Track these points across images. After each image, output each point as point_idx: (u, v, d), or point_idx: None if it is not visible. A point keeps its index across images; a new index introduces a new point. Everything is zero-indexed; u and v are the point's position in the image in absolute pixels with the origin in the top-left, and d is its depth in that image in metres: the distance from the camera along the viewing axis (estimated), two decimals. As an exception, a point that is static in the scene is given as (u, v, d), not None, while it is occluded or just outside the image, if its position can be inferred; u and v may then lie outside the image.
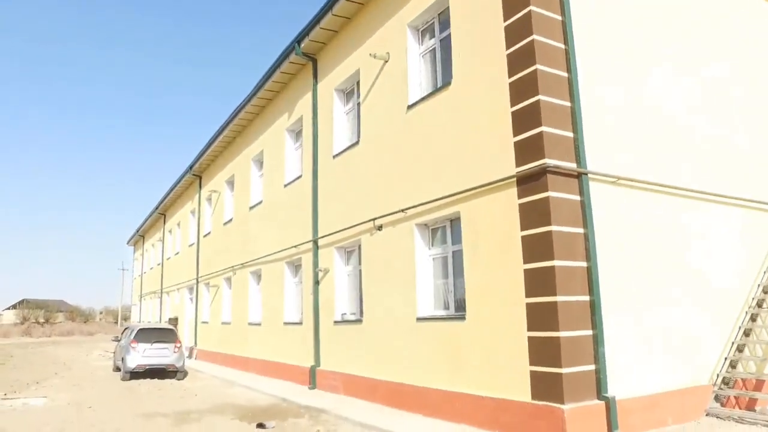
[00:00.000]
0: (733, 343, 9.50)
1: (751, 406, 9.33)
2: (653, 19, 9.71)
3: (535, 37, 8.08)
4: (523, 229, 8.01)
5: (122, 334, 19.21)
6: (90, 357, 26.83)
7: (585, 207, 7.95)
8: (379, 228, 11.24)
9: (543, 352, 7.56)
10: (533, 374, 7.67)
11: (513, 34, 8.40)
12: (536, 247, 7.77)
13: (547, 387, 7.46)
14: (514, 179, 8.18)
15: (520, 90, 8.20)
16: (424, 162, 10.12)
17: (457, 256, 9.60)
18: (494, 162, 8.55)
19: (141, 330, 17.31)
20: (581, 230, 7.89)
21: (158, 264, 33.80)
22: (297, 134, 16.24)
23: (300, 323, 14.59)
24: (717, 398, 8.99)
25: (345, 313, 12.80)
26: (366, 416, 9.70)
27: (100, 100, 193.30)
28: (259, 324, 17.22)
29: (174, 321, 26.82)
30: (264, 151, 17.75)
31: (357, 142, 12.43)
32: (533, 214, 7.86)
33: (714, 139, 10.17)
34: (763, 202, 10.54)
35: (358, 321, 11.86)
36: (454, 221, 9.70)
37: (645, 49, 9.42)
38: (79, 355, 27.91)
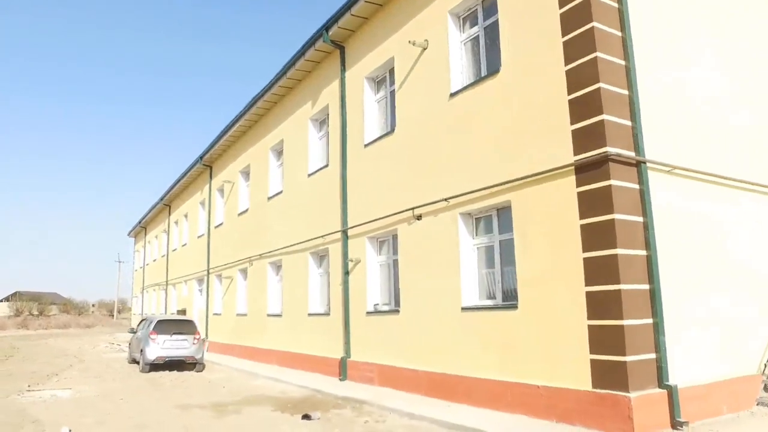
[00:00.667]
0: (778, 332, 9.54)
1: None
2: (700, 8, 9.67)
3: (595, 24, 8.01)
4: (582, 217, 7.96)
5: (138, 325, 19.02)
6: (97, 349, 26.57)
7: (644, 196, 7.92)
8: (419, 217, 11.16)
9: (605, 340, 7.53)
10: (594, 363, 7.65)
11: (570, 21, 8.32)
12: (597, 236, 7.73)
13: (609, 375, 7.44)
14: (573, 168, 8.12)
15: (579, 78, 8.13)
16: (469, 151, 10.04)
17: (506, 245, 9.55)
18: (549, 150, 8.48)
19: (160, 321, 17.14)
20: (641, 219, 7.86)
21: (162, 256, 33.51)
22: (321, 123, 16.09)
23: (327, 314, 14.50)
24: (765, 388, 9.03)
25: (377, 304, 12.72)
26: (411, 407, 9.65)
27: (99, 82, 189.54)
28: (279, 315, 17.10)
29: (182, 313, 26.60)
30: (284, 140, 17.58)
31: (392, 131, 12.31)
32: (594, 203, 7.81)
33: (757, 129, 10.17)
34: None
35: (395, 311, 11.78)
36: (502, 210, 9.64)
37: (693, 38, 9.39)
38: (86, 347, 27.63)
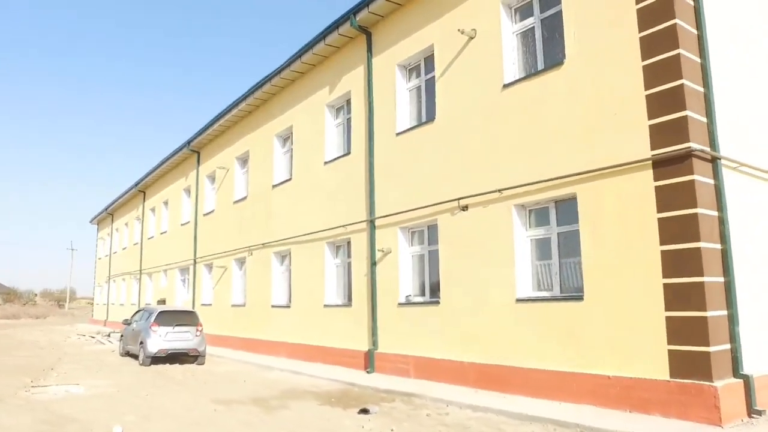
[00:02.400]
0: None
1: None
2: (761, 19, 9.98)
3: (677, 21, 8.11)
4: (660, 211, 8.08)
5: (133, 317, 18.19)
6: (70, 341, 25.32)
7: (719, 191, 8.12)
8: (465, 208, 11.08)
9: (686, 331, 7.68)
10: (672, 353, 7.79)
11: (649, 17, 8.39)
12: (678, 229, 7.87)
13: (690, 365, 7.60)
14: (650, 162, 8.22)
15: (658, 73, 8.22)
16: (526, 142, 10.02)
17: (565, 237, 9.62)
18: (622, 144, 8.56)
19: (162, 312, 16.45)
20: (716, 213, 8.05)
21: (135, 244, 32.19)
22: (338, 110, 15.75)
23: (347, 305, 14.27)
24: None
25: (410, 295, 12.60)
26: (466, 398, 9.62)
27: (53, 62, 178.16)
28: (287, 306, 16.73)
29: (162, 303, 25.66)
30: (294, 126, 17.12)
31: (431, 120, 12.16)
32: (675, 197, 7.94)
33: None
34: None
35: (434, 303, 11.69)
36: (561, 202, 9.68)
37: (759, 39, 9.68)
38: (56, 339, 26.27)
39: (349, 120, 15.13)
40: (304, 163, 16.47)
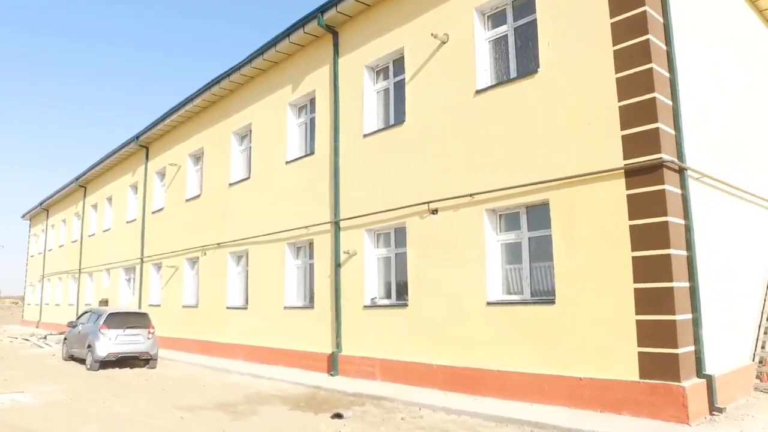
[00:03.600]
0: (760, 326, 10.66)
1: (765, 379, 10.54)
2: (727, 31, 10.54)
3: (650, 37, 8.45)
4: (632, 218, 8.40)
5: (79, 319, 17.30)
6: (2, 344, 23.83)
7: (685, 200, 8.52)
8: (435, 211, 11.15)
9: (656, 334, 8.01)
10: (642, 355, 8.11)
11: (623, 31, 8.69)
12: (649, 236, 8.20)
13: (659, 366, 7.93)
14: (622, 171, 8.53)
15: (632, 86, 8.54)
16: (499, 148, 10.18)
17: (535, 242, 9.84)
18: (594, 153, 8.84)
19: (112, 314, 15.72)
20: (683, 222, 8.44)
21: (74, 241, 30.60)
22: (301, 109, 15.52)
23: (310, 307, 14.09)
24: (757, 375, 10.08)
25: (375, 298, 12.57)
26: (438, 401, 9.68)
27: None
28: (244, 308, 16.35)
29: (104, 304, 24.54)
30: (253, 124, 16.74)
31: (401, 122, 12.16)
32: (646, 205, 8.26)
33: (758, 145, 11.27)
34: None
35: (402, 305, 11.71)
36: (532, 207, 9.90)
37: (718, 56, 10.22)
38: (-15, 342, 24.68)
39: (312, 120, 14.94)
40: (264, 162, 16.14)
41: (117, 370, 15.23)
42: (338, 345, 12.96)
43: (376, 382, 11.78)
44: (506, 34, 10.67)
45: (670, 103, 8.62)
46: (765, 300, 10.97)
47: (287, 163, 15.24)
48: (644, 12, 8.52)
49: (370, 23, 13.14)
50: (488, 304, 10.10)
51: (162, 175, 22.01)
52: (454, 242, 10.76)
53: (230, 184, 17.45)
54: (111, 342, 15.17)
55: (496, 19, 10.91)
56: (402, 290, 12.07)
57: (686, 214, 8.49)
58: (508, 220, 10.36)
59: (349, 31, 13.72)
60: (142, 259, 22.35)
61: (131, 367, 15.62)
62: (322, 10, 13.50)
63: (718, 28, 10.84)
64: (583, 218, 8.94)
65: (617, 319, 8.40)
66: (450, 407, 9.26)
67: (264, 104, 16.31)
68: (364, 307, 12.54)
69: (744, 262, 10.41)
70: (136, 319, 15.97)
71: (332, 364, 12.96)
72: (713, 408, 8.11)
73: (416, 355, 11.21)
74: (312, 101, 15.00)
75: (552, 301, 9.22)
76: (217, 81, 17.36)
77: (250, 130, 17.00)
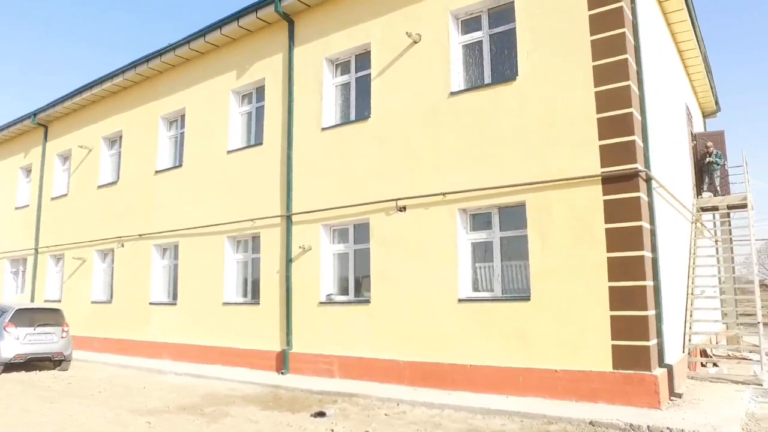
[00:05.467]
0: (685, 321, 11.97)
1: (693, 368, 11.90)
2: (657, 59, 11.64)
3: (628, 56, 9.18)
4: (608, 222, 9.08)
5: (-24, 315, 15.18)
6: None
7: (651, 207, 9.37)
8: (402, 209, 11.24)
9: (628, 328, 8.74)
10: (616, 348, 8.81)
11: (603, 49, 9.35)
12: (624, 239, 8.91)
13: (631, 358, 8.67)
14: (599, 178, 9.19)
15: (609, 100, 9.22)
16: (473, 150, 10.49)
17: (507, 241, 10.29)
18: (574, 159, 9.43)
19: (20, 311, 14.01)
20: (650, 226, 9.28)
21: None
22: (245, 96, 14.85)
23: (254, 303, 13.56)
24: (688, 365, 11.33)
25: (331, 294, 12.40)
26: (410, 396, 9.80)
27: None
28: (172, 303, 15.34)
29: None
30: (187, 109, 15.73)
31: (364, 118, 12.09)
32: (621, 211, 8.98)
33: (673, 159, 12.58)
34: (684, 206, 13.36)
35: (364, 302, 11.66)
36: (504, 208, 10.34)
37: (655, 78, 11.27)
38: None
39: (259, 109, 14.38)
40: (200, 150, 15.23)
41: (24, 373, 13.63)
42: (288, 342, 12.61)
43: (334, 379, 11.62)
44: (481, 40, 11.02)
45: (640, 118, 9.44)
46: (688, 298, 12.33)
47: (229, 152, 14.52)
48: (623, 33, 9.25)
49: (331, 15, 12.90)
50: (460, 300, 10.39)
51: (65, 158, 19.95)
52: (424, 240, 10.92)
53: (157, 172, 16.26)
54: (18, 342, 13.53)
55: (470, 24, 11.22)
56: (362, 287, 12.02)
57: (652, 220, 9.35)
58: (479, 220, 10.72)
59: (306, 21, 13.37)
60: (36, 249, 20.10)
61: (40, 370, 14.07)
62: (281, -5, 13.05)
63: (655, 50, 11.93)
64: (560, 220, 9.50)
65: (592, 314, 9.04)
66: (428, 402, 9.40)
67: (202, 89, 15.39)
68: (320, 303, 12.32)
69: (676, 264, 11.63)
70: (47, 316, 14.37)
71: (282, 362, 12.58)
72: (672, 393, 9.06)
73: (379, 351, 11.23)
74: (259, 89, 14.42)
75: (527, 298, 9.69)
76: (145, 60, 16.10)
77: (183, 115, 15.97)
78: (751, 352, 13.80)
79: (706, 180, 15.50)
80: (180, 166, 15.72)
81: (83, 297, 18.00)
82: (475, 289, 10.58)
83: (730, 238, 15.30)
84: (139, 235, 16.34)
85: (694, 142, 15.90)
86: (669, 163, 11.78)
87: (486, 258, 10.57)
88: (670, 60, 13.57)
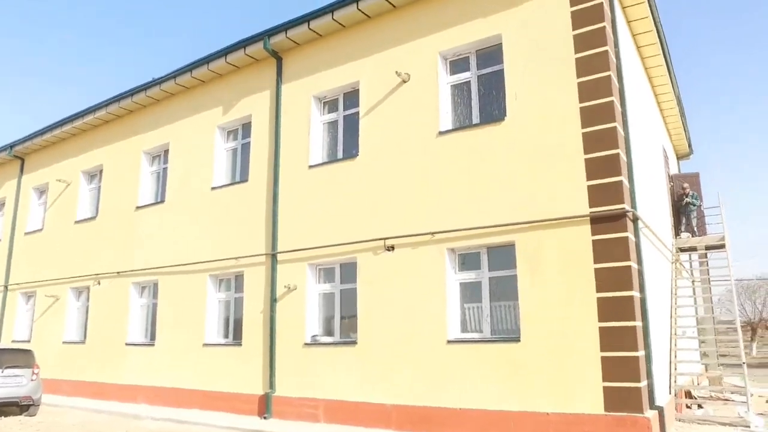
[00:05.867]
0: (670, 362, 11.98)
1: (679, 410, 11.86)
2: (638, 101, 11.97)
3: (613, 98, 9.40)
4: (597, 262, 9.11)
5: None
6: None
7: (638, 247, 9.46)
8: (391, 248, 11.16)
9: (619, 369, 8.68)
10: (607, 389, 8.73)
11: (589, 92, 9.56)
12: (613, 279, 8.94)
13: (623, 400, 8.59)
14: (588, 218, 9.27)
15: (597, 141, 9.38)
16: (462, 190, 10.51)
17: (496, 281, 10.25)
18: (562, 199, 9.50)
19: (-15, 351, 13.45)
20: (638, 266, 9.35)
21: None
22: (231, 133, 14.79)
23: (236, 344, 13.20)
24: (676, 407, 11.29)
25: (316, 335, 12.15)
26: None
27: None
28: (150, 344, 14.86)
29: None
30: (171, 144, 15.58)
31: (353, 156, 12.09)
32: (611, 250, 9.03)
33: (654, 200, 12.82)
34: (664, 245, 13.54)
35: (350, 343, 11.42)
36: (493, 248, 10.33)
37: (636, 121, 11.56)
38: None
39: (245, 145, 14.31)
40: (184, 186, 15.04)
41: (-11, 418, 12.98)
42: (272, 385, 12.25)
43: (320, 424, 11.29)
44: (469, 81, 11.20)
45: (626, 158, 9.61)
46: (672, 338, 12.38)
47: (213, 189, 14.36)
48: (609, 76, 9.49)
49: (320, 53, 13.02)
50: (449, 342, 10.25)
51: (41, 191, 19.52)
52: (413, 280, 10.82)
53: (138, 207, 15.97)
54: (-15, 385, 12.92)
55: (459, 65, 11.41)
56: (348, 328, 11.81)
57: (639, 260, 9.42)
58: (468, 260, 10.68)
59: (295, 58, 13.47)
60: (6, 286, 19.43)
61: (5, 415, 13.37)
62: (270, 33, 13.16)
63: (636, 92, 12.25)
64: (549, 260, 9.51)
65: (583, 356, 8.98)
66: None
67: (186, 124, 15.29)
68: (305, 344, 12.05)
69: (660, 304, 11.70)
70: (16, 357, 13.75)
71: (265, 405, 12.18)
72: (664, 436, 8.97)
73: (366, 394, 10.96)
74: (246, 126, 14.38)
75: (517, 339, 9.61)
76: (129, 93, 16.00)
77: (167, 151, 15.81)
78: (733, 393, 13.87)
79: (683, 221, 15.80)
80: (162, 202, 15.47)
81: (54, 337, 17.36)
82: (464, 329, 10.47)
83: (708, 278, 15.50)
84: (118, 272, 15.92)
85: (671, 183, 16.27)
86: (651, 204, 11.97)
87: (474, 298, 10.49)
88: (648, 102, 13.96)
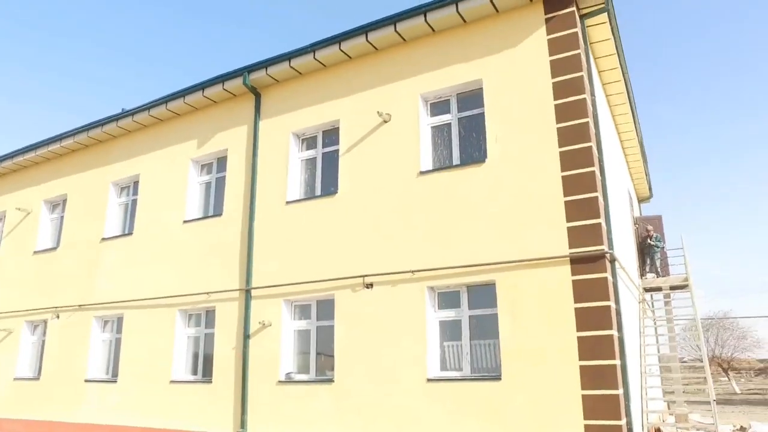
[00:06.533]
0: (642, 400, 12.24)
1: (649, 448, 12.09)
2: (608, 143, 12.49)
3: (591, 144, 9.79)
4: (577, 301, 9.32)
5: None
6: None
7: (616, 287, 9.73)
8: (370, 286, 11.15)
9: (600, 407, 8.82)
10: (588, 427, 8.83)
11: (568, 137, 9.92)
12: (593, 318, 9.15)
13: (603, 439, 8.72)
14: (568, 258, 9.52)
15: (575, 185, 9.71)
16: (443, 229, 10.62)
17: (476, 320, 10.34)
18: (542, 240, 9.73)
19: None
20: (615, 306, 9.61)
21: None
22: (205, 166, 14.63)
23: (206, 382, 12.80)
24: (647, 442, 11.50)
25: (291, 372, 11.92)
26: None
27: None
28: (112, 381, 14.23)
29: None
30: (141, 176, 15.27)
31: (331, 193, 12.12)
32: (590, 291, 9.27)
33: (624, 241, 13.24)
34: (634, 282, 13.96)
35: (327, 381, 11.24)
36: (472, 287, 10.45)
37: (609, 165, 12.02)
38: None
39: (220, 179, 14.18)
40: (154, 218, 14.70)
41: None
42: (243, 424, 11.89)
43: (294, 464, 11.00)
44: (450, 123, 11.46)
45: (603, 202, 9.96)
46: (642, 376, 12.67)
47: (186, 222, 14.10)
48: (587, 122, 9.90)
49: (300, 91, 13.13)
50: (428, 380, 10.22)
51: (-2, 220, 18.74)
52: (392, 317, 10.80)
53: (103, 239, 15.50)
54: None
55: (439, 107, 11.68)
56: (324, 365, 11.65)
57: (617, 299, 9.69)
58: (447, 298, 10.75)
59: (273, 95, 13.53)
60: (-47, 319, 18.37)
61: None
62: (249, 69, 13.22)
63: (608, 137, 12.75)
64: (530, 299, 9.67)
65: (565, 394, 9.08)
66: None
67: (159, 156, 15.06)
68: (279, 382, 11.78)
69: (632, 343, 12.00)
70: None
71: (235, 445, 11.82)
72: (642, 476, 9.10)
73: (343, 433, 10.77)
74: (221, 160, 14.27)
75: (498, 378, 9.66)
76: (100, 124, 15.68)
77: (137, 182, 15.48)
78: (699, 430, 14.23)
79: (648, 261, 16.38)
80: (130, 234, 15.06)
81: (5, 373, 16.44)
82: (444, 368, 10.46)
83: (672, 318, 16.02)
84: (79, 305, 15.31)
85: (636, 225, 16.88)
86: (623, 245, 12.37)
87: (454, 336, 10.54)
88: (615, 147, 14.56)
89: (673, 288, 15.30)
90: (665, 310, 16.63)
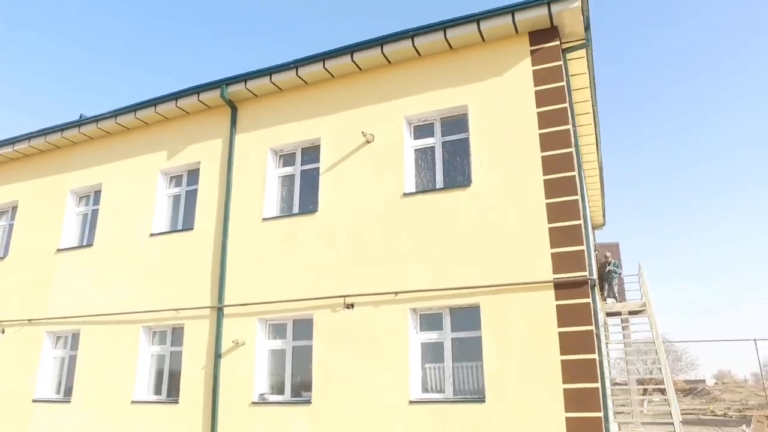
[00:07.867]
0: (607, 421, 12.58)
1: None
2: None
3: (575, 173, 10.14)
4: (560, 325, 9.55)
5: None
6: None
7: (595, 312, 10.04)
8: (350, 306, 11.05)
9: (583, 429, 9.04)
10: (571, 450, 9.04)
11: (552, 165, 10.22)
12: (576, 342, 9.40)
13: (587, 462, 8.92)
14: (552, 283, 9.76)
15: (559, 211, 10.00)
16: (427, 251, 10.67)
17: (458, 342, 10.41)
18: (527, 265, 9.94)
19: None
20: (595, 330, 9.91)
21: None
22: (174, 178, 14.17)
23: (172, 402, 12.26)
24: (614, 464, 11.82)
25: (264, 393, 11.60)
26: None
27: None
28: (65, 401, 13.39)
29: None
30: (104, 185, 14.61)
31: (311, 211, 11.98)
32: (574, 315, 9.52)
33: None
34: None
35: (304, 402, 11.00)
36: (456, 309, 10.53)
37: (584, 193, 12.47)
38: None
39: (190, 192, 13.76)
40: (117, 230, 14.07)
41: None
42: (212, 448, 11.46)
43: (267, 490, 10.66)
44: (433, 146, 11.60)
45: (584, 229, 10.29)
46: (609, 400, 13.05)
47: (152, 235, 13.57)
48: (571, 152, 10.26)
49: (280, 107, 12.98)
50: (411, 402, 10.18)
51: (-65, 226, 17.39)
52: (373, 338, 10.72)
53: (59, 250, 14.68)
54: None
55: (423, 129, 11.81)
56: (301, 386, 11.41)
57: (596, 324, 9.99)
58: (429, 320, 10.78)
59: (251, 109, 13.31)
60: None
61: None
62: (228, 82, 12.98)
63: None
64: (515, 323, 9.83)
65: (548, 417, 9.25)
66: None
67: (124, 166, 14.47)
68: (252, 403, 11.44)
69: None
70: None
71: (203, 470, 11.34)
72: (620, 498, 9.34)
73: (321, 457, 10.54)
74: (192, 173, 13.86)
75: (482, 400, 9.73)
76: (60, 129, 14.94)
77: (98, 192, 14.80)
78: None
79: (606, 287, 17.01)
80: (90, 245, 14.34)
81: (-60, 392, 15.19)
82: (425, 390, 10.46)
83: (630, 342, 16.64)
84: (29, 319, 14.40)
85: (596, 251, 17.52)
86: (594, 271, 12.81)
87: (436, 358, 10.56)
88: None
89: (631, 313, 15.93)
90: (623, 335, 17.26)
